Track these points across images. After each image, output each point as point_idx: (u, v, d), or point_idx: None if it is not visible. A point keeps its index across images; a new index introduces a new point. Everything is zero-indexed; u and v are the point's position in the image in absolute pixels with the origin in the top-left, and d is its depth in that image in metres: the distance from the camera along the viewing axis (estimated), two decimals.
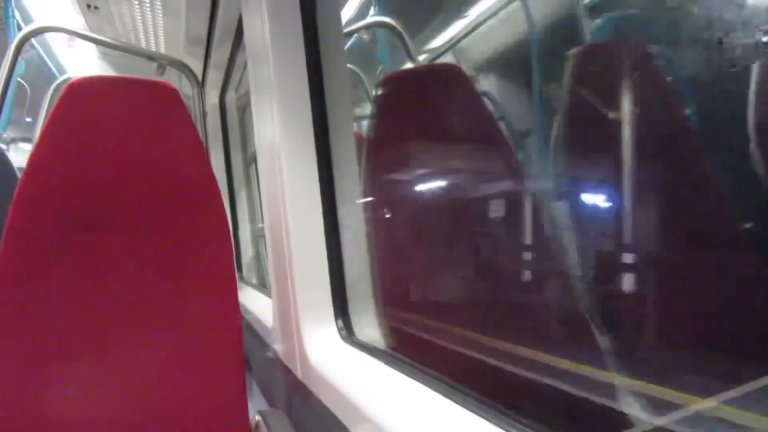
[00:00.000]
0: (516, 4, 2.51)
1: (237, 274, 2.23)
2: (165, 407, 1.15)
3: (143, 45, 2.17)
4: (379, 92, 1.32)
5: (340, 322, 1.01)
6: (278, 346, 1.24)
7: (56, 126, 1.10)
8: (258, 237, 2.39)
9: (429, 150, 1.32)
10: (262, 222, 2.07)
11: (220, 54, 2.01)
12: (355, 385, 0.82)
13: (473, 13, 2.70)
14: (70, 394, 1.09)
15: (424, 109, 1.31)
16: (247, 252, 2.41)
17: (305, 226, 1.09)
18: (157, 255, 1.18)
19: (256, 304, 1.71)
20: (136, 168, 1.15)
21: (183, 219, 1.20)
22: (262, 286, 2.06)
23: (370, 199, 1.23)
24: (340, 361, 0.93)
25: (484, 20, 2.62)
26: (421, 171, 1.32)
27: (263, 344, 1.43)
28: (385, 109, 1.31)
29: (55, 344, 1.09)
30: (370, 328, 1.02)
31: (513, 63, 2.55)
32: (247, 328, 1.63)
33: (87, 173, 1.12)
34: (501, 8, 2.56)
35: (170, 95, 1.18)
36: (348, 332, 1.00)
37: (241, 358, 1.21)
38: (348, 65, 1.35)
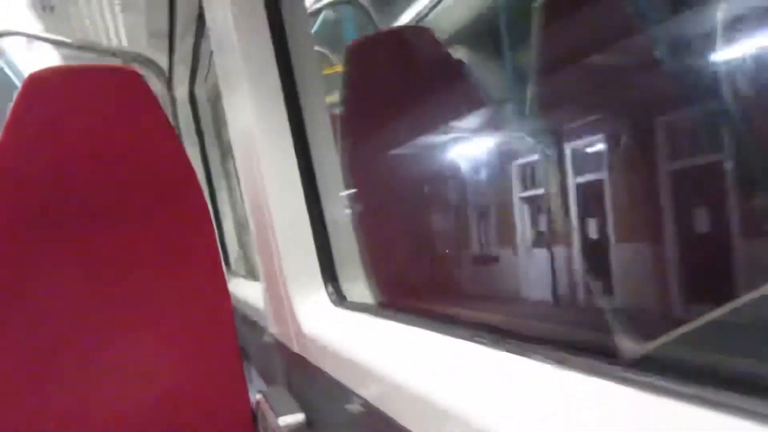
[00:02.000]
0: None
1: (224, 267, 2.21)
2: (162, 399, 1.13)
3: (104, 42, 2.13)
4: (348, 59, 1.30)
5: (330, 288, 1.00)
6: (272, 326, 1.23)
7: (18, 121, 1.07)
8: (242, 229, 2.36)
9: (403, 113, 1.30)
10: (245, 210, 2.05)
11: (185, 46, 1.97)
12: (354, 345, 0.81)
13: None
14: (65, 392, 1.07)
15: (395, 72, 1.29)
16: (232, 245, 2.38)
17: (286, 202, 1.08)
18: (138, 245, 1.16)
19: (247, 291, 1.69)
20: (105, 157, 1.12)
21: (160, 206, 1.18)
22: (251, 276, 2.03)
23: (349, 170, 1.21)
24: (334, 326, 0.92)
25: None
26: (396, 137, 1.30)
27: (258, 329, 1.42)
28: (355, 76, 1.29)
29: (41, 343, 1.07)
30: (360, 291, 1.01)
31: (482, 34, 2.53)
32: (241, 318, 1.62)
33: (54, 167, 1.09)
34: None
35: (133, 80, 1.15)
36: (339, 296, 0.99)
37: (235, 341, 1.20)
38: (317, 48, 1.33)
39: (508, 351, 0.52)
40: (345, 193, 1.16)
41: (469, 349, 0.58)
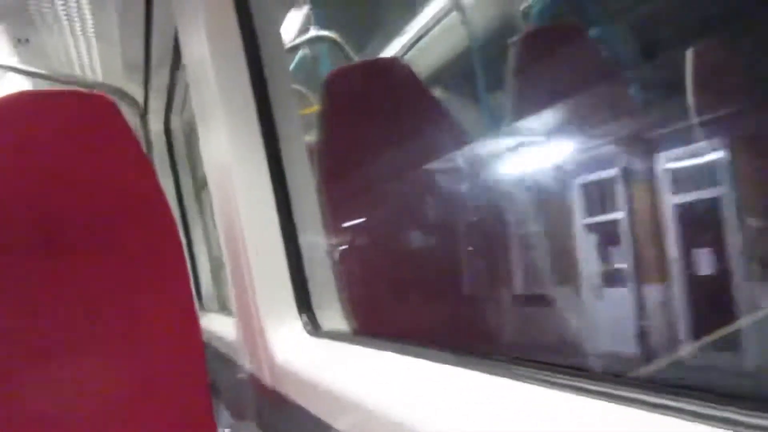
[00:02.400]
0: (452, 18, 2.54)
1: (197, 303, 2.16)
2: (125, 427, 1.08)
3: (79, 74, 2.11)
4: (326, 89, 1.30)
5: (305, 318, 0.97)
6: (244, 359, 1.19)
7: None
8: (216, 265, 2.32)
9: (379, 145, 1.30)
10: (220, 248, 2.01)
11: (160, 78, 1.96)
12: (330, 374, 0.78)
13: (414, 27, 2.72)
14: (21, 423, 1.01)
15: (373, 103, 1.29)
16: (206, 281, 2.33)
17: (261, 232, 1.06)
18: (105, 273, 1.11)
19: (218, 326, 1.65)
20: (73, 183, 1.09)
21: (131, 236, 1.14)
22: (225, 312, 1.98)
23: (326, 200, 1.20)
24: (310, 356, 0.89)
25: (425, 33, 2.65)
26: (373, 167, 1.30)
27: (231, 365, 1.37)
28: (332, 106, 1.29)
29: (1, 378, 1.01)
30: (337, 322, 0.98)
31: (457, 74, 2.57)
32: (213, 355, 1.57)
33: (19, 193, 1.05)
34: (439, 20, 2.60)
35: (106, 107, 1.13)
36: (314, 326, 0.96)
37: (205, 376, 1.15)
38: (294, 86, 1.33)
39: (491, 374, 0.50)
40: (321, 224, 1.15)
41: (451, 373, 0.55)
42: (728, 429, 0.30)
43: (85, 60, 2.00)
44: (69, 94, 1.11)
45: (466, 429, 0.46)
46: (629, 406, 0.36)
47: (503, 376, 0.49)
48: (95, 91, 1.14)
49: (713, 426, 0.30)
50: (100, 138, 1.12)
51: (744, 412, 0.30)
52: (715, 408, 0.31)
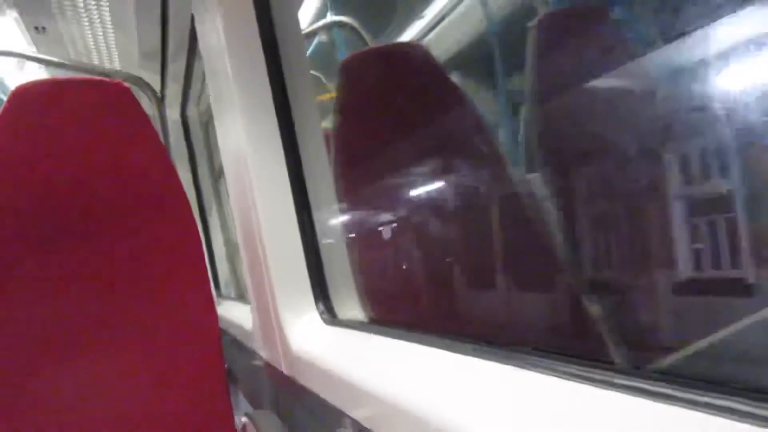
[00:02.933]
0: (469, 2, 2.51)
1: (215, 291, 2.17)
2: (144, 420, 1.09)
3: (96, 62, 2.11)
4: (343, 74, 1.28)
5: (321, 306, 0.96)
6: (260, 347, 1.18)
7: (3, 134, 1.04)
8: (233, 253, 2.32)
9: (397, 133, 1.28)
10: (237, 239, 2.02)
11: (177, 66, 1.96)
12: (346, 364, 0.77)
13: (430, 13, 2.69)
14: (42, 412, 1.02)
15: (391, 88, 1.27)
16: (222, 268, 2.34)
17: (277, 221, 1.05)
18: (124, 261, 1.12)
19: (235, 313, 1.65)
20: (91, 170, 1.09)
21: (147, 224, 1.15)
22: (241, 299, 1.99)
23: (343, 188, 1.19)
24: (326, 345, 0.88)
25: (443, 17, 2.62)
26: (390, 156, 1.28)
27: (247, 352, 1.37)
28: (349, 91, 1.28)
29: (19, 360, 1.02)
30: (352, 310, 0.97)
31: (475, 60, 2.54)
32: (230, 341, 1.57)
33: (41, 180, 1.06)
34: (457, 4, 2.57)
35: (123, 95, 1.13)
36: (330, 315, 0.95)
37: (222, 362, 1.15)
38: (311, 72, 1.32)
39: (511, 364, 0.49)
40: (338, 212, 1.14)
41: (470, 364, 0.54)
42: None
43: (102, 48, 2.00)
44: (86, 82, 1.11)
45: (480, 419, 0.45)
46: (650, 398, 0.35)
47: (519, 366, 0.47)
48: (112, 79, 1.14)
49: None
50: (117, 125, 1.12)
51: None
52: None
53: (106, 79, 1.11)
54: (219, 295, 2.27)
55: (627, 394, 0.37)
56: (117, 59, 2.12)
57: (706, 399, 0.32)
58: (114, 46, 2.02)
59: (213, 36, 1.14)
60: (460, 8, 2.59)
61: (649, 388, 0.36)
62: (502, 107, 2.24)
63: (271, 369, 1.09)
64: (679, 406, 0.33)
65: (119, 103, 1.11)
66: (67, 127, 1.09)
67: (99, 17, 1.80)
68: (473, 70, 2.45)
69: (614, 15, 1.48)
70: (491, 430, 0.43)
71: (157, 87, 2.14)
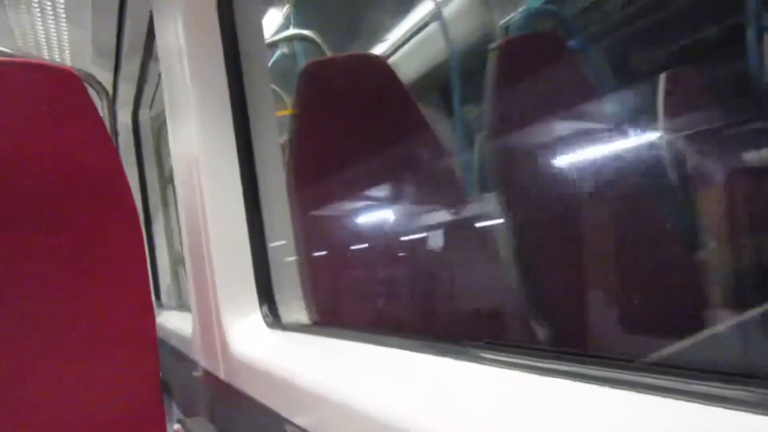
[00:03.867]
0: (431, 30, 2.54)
1: (155, 302, 2.09)
2: (71, 421, 1.02)
3: (46, 56, 2.04)
4: (301, 81, 1.26)
5: (265, 310, 0.93)
6: (199, 354, 1.13)
7: None
8: (177, 263, 2.25)
9: (352, 141, 1.27)
10: (182, 245, 1.96)
11: (131, 66, 1.90)
12: (289, 367, 0.74)
13: (392, 37, 2.72)
14: None
15: (349, 98, 1.27)
16: (165, 278, 2.26)
17: (225, 224, 1.02)
18: (60, 256, 1.06)
19: (175, 322, 1.59)
20: (30, 157, 1.04)
21: (89, 218, 1.09)
22: (182, 309, 1.92)
23: (295, 194, 1.17)
24: (268, 349, 0.85)
25: (405, 41, 2.64)
26: (345, 165, 1.27)
27: (185, 361, 1.32)
28: (307, 98, 1.26)
29: None
30: (299, 314, 0.94)
31: (432, 86, 2.56)
32: (169, 352, 1.51)
33: None
34: (419, 29, 2.60)
35: (72, 83, 1.08)
36: (274, 318, 0.92)
37: (157, 368, 1.10)
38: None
39: (462, 359, 0.47)
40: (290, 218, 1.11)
41: (420, 361, 0.52)
42: None
43: (54, 41, 1.93)
44: (34, 65, 1.05)
45: (431, 415, 0.42)
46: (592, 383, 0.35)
47: (470, 360, 0.46)
48: (61, 65, 1.09)
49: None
50: (64, 114, 1.06)
51: None
52: None
53: (54, 64, 1.06)
54: (160, 305, 2.18)
55: (570, 380, 0.37)
56: (68, 54, 2.04)
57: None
58: (66, 39, 1.95)
59: (172, 35, 1.11)
60: (422, 35, 2.62)
61: (587, 372, 0.37)
62: (458, 134, 2.26)
63: (208, 376, 1.04)
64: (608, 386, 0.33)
65: (68, 90, 1.06)
66: (9, 108, 1.03)
67: (52, 8, 1.74)
68: (431, 97, 2.48)
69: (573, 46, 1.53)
70: (443, 425, 0.41)
71: (109, 87, 2.07)
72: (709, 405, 0.28)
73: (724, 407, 0.27)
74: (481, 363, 0.45)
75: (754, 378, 0.29)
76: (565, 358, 0.40)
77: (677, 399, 0.30)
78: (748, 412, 0.27)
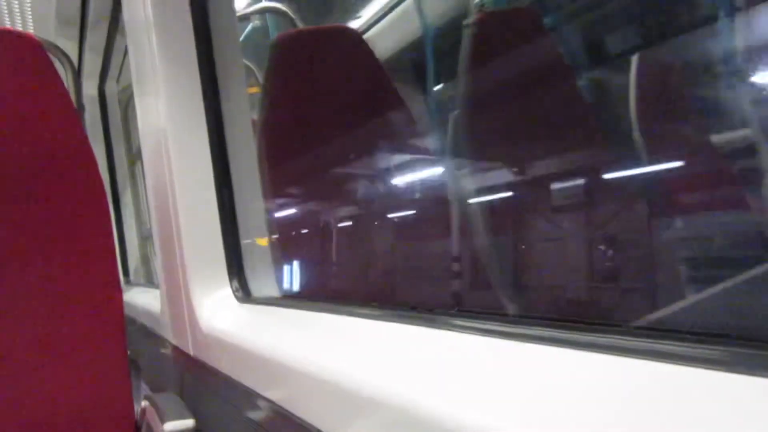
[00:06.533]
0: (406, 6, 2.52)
1: (123, 279, 2.05)
2: (36, 399, 0.99)
3: (8, 25, 1.96)
4: (273, 53, 1.24)
5: (236, 284, 0.91)
6: (168, 330, 1.12)
7: None
8: (146, 239, 2.21)
9: (324, 116, 1.25)
10: (150, 223, 1.93)
11: (98, 37, 1.85)
12: (259, 340, 0.72)
13: (366, 14, 2.68)
14: None
15: (320, 71, 1.24)
16: (133, 255, 2.23)
17: (194, 197, 1.00)
18: (22, 229, 1.03)
19: (144, 299, 1.56)
20: None
21: (52, 188, 1.06)
22: (151, 285, 1.89)
23: (266, 168, 1.15)
24: (238, 323, 0.83)
25: (380, 18, 2.61)
26: (317, 139, 1.25)
27: (153, 338, 1.30)
28: (278, 70, 1.24)
29: None
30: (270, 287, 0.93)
31: (407, 64, 2.54)
32: (137, 330, 1.48)
33: None
34: (394, 6, 2.57)
35: (34, 48, 1.04)
36: (244, 292, 0.90)
37: (124, 343, 1.08)
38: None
39: (435, 327, 0.47)
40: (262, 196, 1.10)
41: (394, 330, 0.52)
42: None
43: (16, 9, 1.85)
44: None
45: (405, 384, 0.42)
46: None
47: (443, 328, 0.45)
48: (22, 31, 1.05)
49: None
50: (26, 80, 1.03)
51: None
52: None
53: (14, 29, 1.02)
54: (128, 282, 2.15)
55: (541, 344, 0.37)
56: (31, 23, 1.97)
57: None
58: (29, 8, 1.88)
59: (139, 5, 1.07)
60: (398, 11, 2.59)
61: (557, 336, 0.37)
62: (432, 112, 2.25)
63: (177, 352, 1.03)
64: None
65: (29, 56, 1.02)
66: None
67: None
68: (406, 74, 2.46)
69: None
70: (416, 393, 0.40)
71: (74, 58, 2.01)
72: (683, 365, 0.28)
73: (696, 367, 0.27)
74: (452, 330, 0.44)
75: (722, 337, 0.29)
76: (536, 323, 0.39)
77: (650, 360, 0.29)
78: (720, 371, 0.27)
